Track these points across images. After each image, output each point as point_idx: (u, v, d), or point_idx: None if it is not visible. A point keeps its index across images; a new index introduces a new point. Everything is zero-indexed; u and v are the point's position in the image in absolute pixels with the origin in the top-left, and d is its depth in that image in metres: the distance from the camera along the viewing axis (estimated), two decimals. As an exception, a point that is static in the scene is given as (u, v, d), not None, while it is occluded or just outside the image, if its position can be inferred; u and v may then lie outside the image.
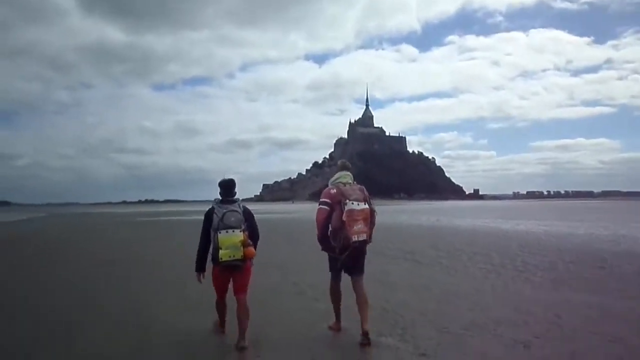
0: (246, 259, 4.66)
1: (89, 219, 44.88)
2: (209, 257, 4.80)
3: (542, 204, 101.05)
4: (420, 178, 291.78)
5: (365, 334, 4.70)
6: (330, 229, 4.84)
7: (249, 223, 4.81)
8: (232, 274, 4.74)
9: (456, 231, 19.07)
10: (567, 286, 7.63)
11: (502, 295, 7.04)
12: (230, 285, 4.85)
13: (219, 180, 4.93)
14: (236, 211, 4.71)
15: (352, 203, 4.75)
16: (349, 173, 5.11)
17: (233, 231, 4.60)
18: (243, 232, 4.65)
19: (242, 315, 4.75)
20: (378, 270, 9.16)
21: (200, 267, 4.87)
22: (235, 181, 4.96)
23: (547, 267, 9.38)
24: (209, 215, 4.76)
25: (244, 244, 4.61)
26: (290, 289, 7.55)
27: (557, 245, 13.13)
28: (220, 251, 4.57)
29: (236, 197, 4.91)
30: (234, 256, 4.57)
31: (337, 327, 5.20)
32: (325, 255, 5.12)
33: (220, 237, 4.57)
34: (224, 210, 4.67)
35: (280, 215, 43.60)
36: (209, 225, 4.72)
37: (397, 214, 42.82)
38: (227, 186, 4.89)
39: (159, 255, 12.66)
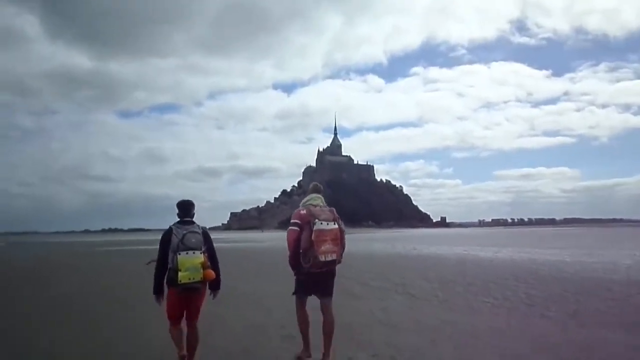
0: (205, 281, 4.52)
1: (43, 249, 42.13)
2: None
3: (508, 231, 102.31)
4: (388, 206, 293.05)
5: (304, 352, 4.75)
6: (301, 249, 4.75)
7: (209, 245, 4.67)
8: (188, 298, 4.57)
9: (439, 260, 18.18)
10: (588, 321, 6.80)
11: (524, 335, 6.11)
12: None
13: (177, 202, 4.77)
14: (197, 232, 4.57)
15: (321, 223, 4.72)
16: (320, 196, 5.11)
17: (194, 252, 4.44)
18: (203, 253, 4.50)
19: (193, 340, 4.64)
20: (375, 307, 8.17)
21: (158, 290, 4.61)
22: (194, 203, 4.79)
23: (556, 300, 8.53)
24: (167, 236, 4.55)
25: (204, 266, 4.45)
26: (277, 332, 6.41)
27: (551, 274, 12.36)
28: (179, 273, 4.36)
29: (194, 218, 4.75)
30: (193, 278, 4.40)
31: (306, 355, 4.97)
32: None
33: (180, 259, 4.38)
34: (184, 232, 4.51)
35: (251, 244, 42.05)
36: (168, 247, 4.51)
37: (370, 242, 41.93)
38: (185, 206, 4.73)
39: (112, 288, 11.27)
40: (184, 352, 4.63)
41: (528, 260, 16.98)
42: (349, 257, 18.02)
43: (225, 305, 8.32)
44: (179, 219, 4.69)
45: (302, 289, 4.94)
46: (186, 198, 4.80)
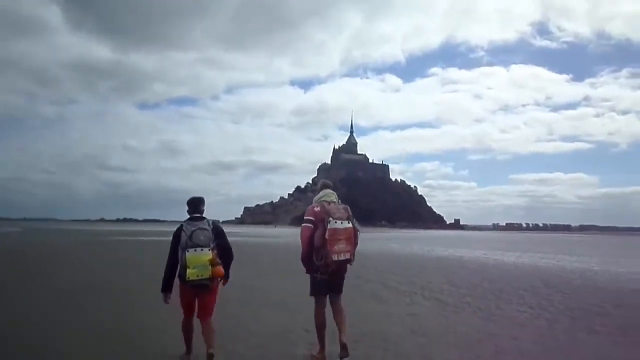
0: (214, 278, 4.50)
1: (60, 237, 42.19)
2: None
3: (523, 235, 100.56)
4: (403, 206, 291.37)
5: (343, 346, 4.60)
6: (314, 247, 4.65)
7: (220, 241, 4.65)
8: (198, 294, 4.58)
9: (461, 263, 17.56)
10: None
11: (578, 352, 5.53)
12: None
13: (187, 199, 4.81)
14: (205, 229, 4.56)
15: (336, 222, 4.62)
16: (333, 192, 4.97)
17: (202, 250, 4.44)
18: (212, 250, 4.49)
19: (208, 334, 4.56)
20: (403, 313, 7.63)
21: (166, 287, 4.64)
22: (204, 199, 4.84)
23: (598, 313, 7.90)
24: (177, 233, 4.59)
25: (213, 263, 4.44)
26: (302, 337, 5.91)
27: (584, 283, 11.71)
28: (187, 270, 4.39)
29: (204, 214, 4.77)
30: (201, 275, 4.40)
31: (321, 357, 4.81)
32: None
33: (188, 256, 4.41)
34: (193, 228, 4.52)
35: (264, 239, 41.73)
36: (178, 244, 4.54)
37: (386, 241, 41.38)
38: (195, 203, 4.76)
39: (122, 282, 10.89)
40: (189, 354, 4.64)
41: (555, 268, 16.32)
42: (369, 258, 17.51)
43: (247, 307, 7.90)
44: (189, 216, 4.71)
45: (320, 289, 4.82)
46: (196, 195, 4.84)
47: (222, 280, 4.70)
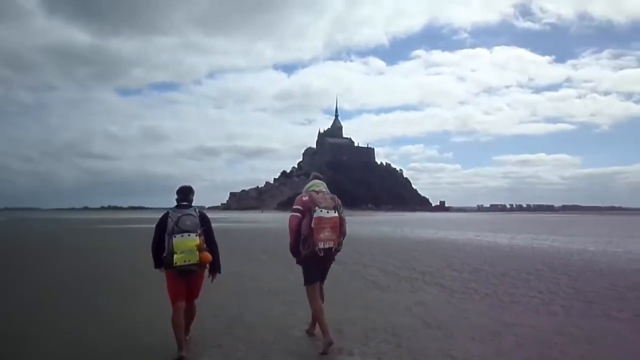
0: (202, 264, 4.49)
1: (48, 226, 41.09)
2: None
3: (509, 217, 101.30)
4: (388, 189, 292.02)
5: (310, 333, 5.10)
6: (302, 236, 4.76)
7: (206, 227, 4.68)
8: (186, 280, 4.52)
9: (455, 246, 17.16)
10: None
11: (605, 341, 5.09)
12: None
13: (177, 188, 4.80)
14: (192, 215, 4.56)
15: (322, 210, 4.72)
16: (322, 182, 5.10)
17: (189, 235, 4.43)
18: (199, 236, 4.50)
19: (190, 313, 4.71)
20: (409, 302, 7.16)
21: (157, 265, 4.64)
22: (194, 189, 4.83)
23: (612, 297, 7.50)
24: (163, 219, 4.58)
25: (200, 249, 4.45)
26: (303, 330, 5.41)
27: (587, 266, 11.34)
28: (174, 255, 4.37)
29: (193, 204, 4.77)
30: (189, 260, 4.39)
31: (327, 340, 4.70)
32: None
33: (175, 241, 4.39)
34: (179, 214, 4.51)
35: (252, 224, 41.13)
36: (163, 230, 4.53)
37: (376, 225, 41.07)
38: (184, 191, 4.76)
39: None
40: (183, 352, 4.38)
41: (551, 249, 16.02)
42: (362, 243, 17.06)
43: (243, 298, 7.37)
44: (176, 204, 4.69)
45: (312, 277, 4.88)
46: (185, 184, 4.82)
47: (210, 276, 4.76)
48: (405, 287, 8.40)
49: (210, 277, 4.78)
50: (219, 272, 4.82)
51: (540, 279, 9.24)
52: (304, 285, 4.92)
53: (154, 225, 4.68)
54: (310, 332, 5.22)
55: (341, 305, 6.52)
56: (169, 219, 4.51)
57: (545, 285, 8.51)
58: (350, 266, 10.77)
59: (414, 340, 5.05)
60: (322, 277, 5.01)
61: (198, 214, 4.65)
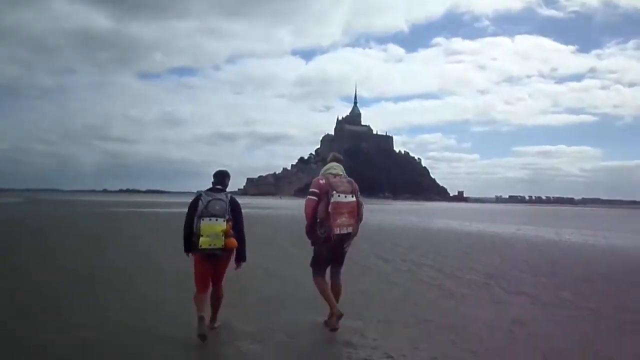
0: (227, 249, 4.47)
1: (64, 208, 40.28)
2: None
3: (529, 208, 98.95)
4: (406, 178, 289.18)
5: (339, 317, 4.66)
6: (318, 219, 4.69)
7: (235, 214, 4.61)
8: (211, 264, 4.55)
9: (504, 241, 15.58)
10: None
11: None
12: None
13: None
14: (222, 200, 4.55)
15: (339, 195, 4.68)
16: (339, 165, 5.02)
17: (216, 219, 4.43)
18: (227, 221, 4.46)
19: (217, 296, 4.73)
20: (503, 318, 5.66)
21: (187, 249, 4.62)
22: (230, 173, 4.88)
23: None
24: (195, 202, 4.58)
25: (226, 234, 4.42)
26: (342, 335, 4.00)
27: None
28: (200, 238, 4.39)
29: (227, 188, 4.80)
30: (214, 245, 4.39)
31: (333, 312, 4.67)
32: None
33: (202, 225, 4.41)
34: (210, 198, 4.53)
35: (273, 211, 39.94)
36: (195, 213, 4.52)
37: (399, 214, 39.64)
38: (221, 175, 4.82)
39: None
40: (203, 312, 4.41)
41: (611, 247, 14.35)
42: (397, 234, 15.49)
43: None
44: (211, 186, 4.73)
45: (322, 261, 4.86)
46: (223, 168, 4.89)
47: (236, 266, 4.72)
48: (483, 296, 6.88)
49: (236, 266, 4.75)
50: (244, 261, 4.77)
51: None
52: (310, 266, 4.92)
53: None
54: (332, 326, 4.72)
55: (424, 325, 5.10)
56: (200, 202, 4.51)
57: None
58: (398, 264, 9.31)
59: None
60: (338, 262, 4.96)
61: (229, 199, 4.61)
